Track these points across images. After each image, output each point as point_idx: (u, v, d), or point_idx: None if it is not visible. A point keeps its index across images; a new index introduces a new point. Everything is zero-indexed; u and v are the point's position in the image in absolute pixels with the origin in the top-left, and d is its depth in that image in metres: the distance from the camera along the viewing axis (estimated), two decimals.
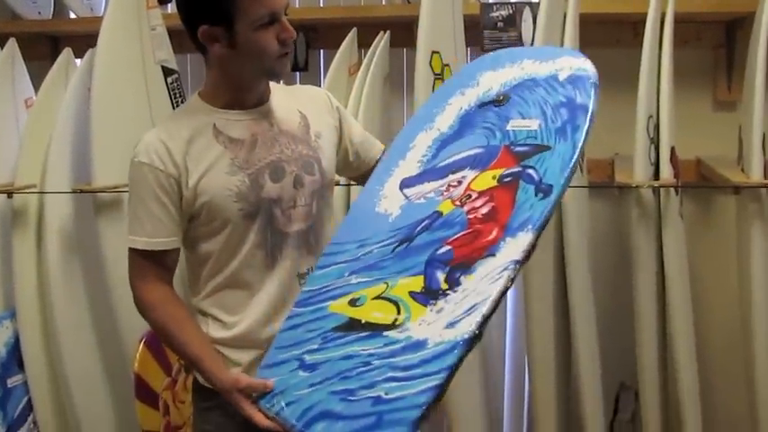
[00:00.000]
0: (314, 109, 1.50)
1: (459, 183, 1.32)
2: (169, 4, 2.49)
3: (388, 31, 2.20)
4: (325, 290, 1.34)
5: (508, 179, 1.28)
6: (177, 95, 2.27)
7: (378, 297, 1.28)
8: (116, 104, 2.07)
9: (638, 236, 1.99)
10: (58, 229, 2.14)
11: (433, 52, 1.93)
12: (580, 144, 1.24)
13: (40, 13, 2.56)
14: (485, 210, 1.27)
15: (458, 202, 1.30)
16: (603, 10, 2.27)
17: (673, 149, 1.99)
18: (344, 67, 2.13)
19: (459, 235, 1.26)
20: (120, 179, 2.04)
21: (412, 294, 1.25)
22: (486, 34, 2.23)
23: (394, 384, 1.17)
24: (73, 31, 2.55)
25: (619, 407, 2.39)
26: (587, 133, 1.25)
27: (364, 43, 2.26)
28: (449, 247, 1.26)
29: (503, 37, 2.24)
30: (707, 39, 2.44)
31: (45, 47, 2.58)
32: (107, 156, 2.05)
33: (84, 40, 2.40)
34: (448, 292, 1.22)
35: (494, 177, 1.29)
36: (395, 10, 2.35)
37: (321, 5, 2.56)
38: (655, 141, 2.00)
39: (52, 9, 2.61)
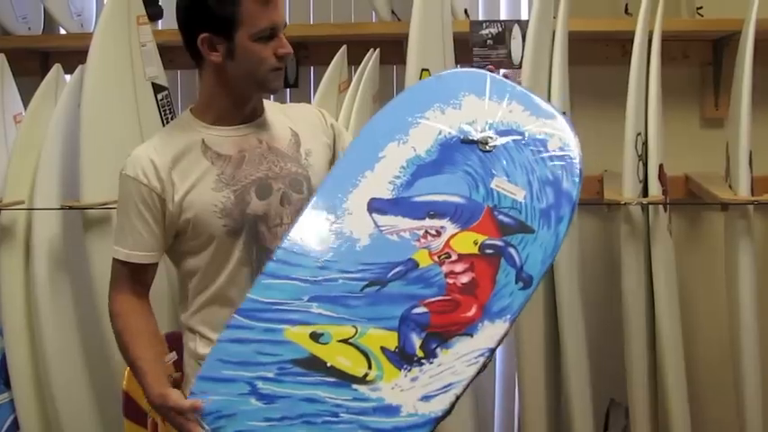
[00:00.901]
0: (306, 127, 1.50)
1: (438, 234, 1.29)
2: (159, 21, 2.51)
3: (377, 49, 2.21)
4: (278, 307, 1.28)
5: (490, 252, 1.27)
6: (167, 112, 2.27)
7: (345, 341, 1.25)
8: (105, 121, 2.07)
9: (627, 252, 2.00)
10: (46, 245, 2.13)
11: (423, 70, 1.94)
12: (561, 237, 1.26)
13: (29, 28, 2.56)
14: (465, 279, 1.26)
15: (436, 258, 1.28)
16: (592, 28, 2.29)
17: (661, 166, 2.01)
18: (335, 84, 2.13)
19: (436, 299, 1.26)
20: (109, 196, 2.03)
21: (385, 351, 1.24)
22: (475, 51, 2.24)
23: None
24: (63, 47, 2.55)
25: (609, 423, 2.39)
26: (568, 228, 1.26)
27: (354, 60, 2.26)
28: (425, 310, 1.25)
29: (492, 54, 2.25)
30: (694, 56, 2.47)
31: (35, 63, 2.57)
32: (96, 172, 2.05)
33: (74, 56, 2.39)
34: (423, 361, 1.22)
35: (475, 243, 1.28)
36: (384, 27, 2.36)
37: (311, 23, 2.57)
38: (643, 158, 2.01)
39: (42, 25, 2.61)
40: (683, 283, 2.25)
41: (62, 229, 2.15)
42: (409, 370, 1.22)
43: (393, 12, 2.38)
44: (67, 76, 2.28)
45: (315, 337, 1.26)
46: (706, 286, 2.42)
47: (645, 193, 2.01)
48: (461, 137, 1.34)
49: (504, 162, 1.32)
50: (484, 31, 2.25)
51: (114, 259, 1.45)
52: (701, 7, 2.35)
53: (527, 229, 1.27)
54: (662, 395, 2.09)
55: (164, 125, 2.26)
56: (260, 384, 1.24)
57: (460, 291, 1.26)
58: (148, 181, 1.39)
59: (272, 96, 1.52)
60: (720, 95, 2.44)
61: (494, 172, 1.32)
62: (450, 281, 1.26)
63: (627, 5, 2.40)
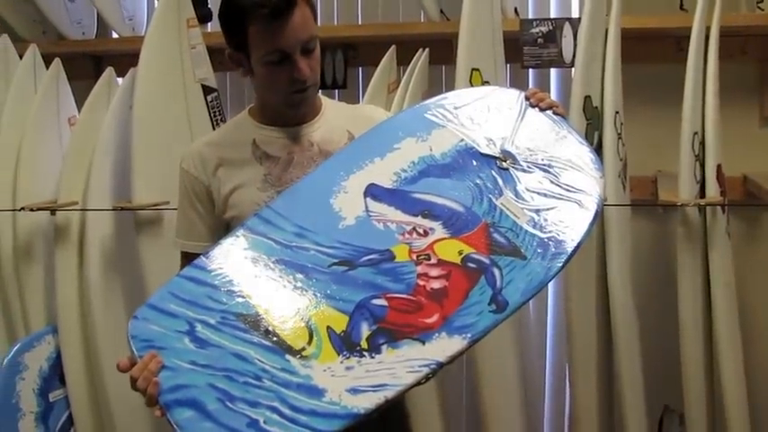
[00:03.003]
0: (367, 128, 1.46)
1: (425, 234, 1.26)
2: (208, 23, 2.53)
3: (426, 49, 2.19)
4: (245, 260, 1.26)
5: (472, 266, 1.23)
6: (217, 113, 2.29)
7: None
8: (157, 122, 2.10)
9: (683, 255, 1.94)
10: (99, 245, 2.16)
11: (473, 69, 1.91)
12: (552, 274, 1.22)
13: (84, 33, 2.61)
14: (436, 284, 1.22)
15: (414, 256, 1.25)
16: (645, 25, 2.23)
17: (719, 166, 1.94)
18: (384, 84, 2.12)
19: (400, 296, 1.22)
20: (160, 197, 2.07)
21: (330, 332, 1.20)
22: (526, 50, 2.21)
23: (275, 417, 1.13)
24: (115, 51, 2.59)
25: (663, 430, 2.33)
26: (563, 267, 1.22)
27: (403, 60, 2.25)
28: (385, 303, 1.21)
29: (543, 53, 2.22)
30: (753, 52, 2.38)
31: (88, 66, 2.62)
32: (147, 173, 2.08)
33: (125, 59, 2.43)
34: (365, 353, 1.18)
35: (460, 252, 1.24)
36: (434, 27, 2.34)
37: (360, 23, 2.56)
38: (700, 159, 1.95)
39: (95, 29, 2.66)
40: (741, 286, 2.18)
41: (114, 230, 2.19)
42: (347, 357, 1.17)
43: (442, 11, 2.35)
44: (119, 79, 2.32)
45: None
46: (765, 289, 2.34)
47: (702, 194, 1.95)
48: (482, 149, 1.32)
49: (519, 183, 1.30)
50: (534, 30, 2.22)
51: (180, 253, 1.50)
52: (761, 1, 2.27)
53: (518, 254, 1.23)
54: (720, 403, 2.02)
55: (213, 127, 2.28)
56: (199, 327, 1.20)
57: (428, 295, 1.22)
58: (198, 174, 1.43)
59: (337, 93, 1.51)
60: None
61: (504, 190, 1.29)
62: (421, 282, 1.23)
63: (682, 1, 2.33)
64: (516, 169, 1.31)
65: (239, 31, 1.34)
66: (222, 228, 1.46)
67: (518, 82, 2.45)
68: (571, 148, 1.33)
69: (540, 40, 2.21)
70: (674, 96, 2.23)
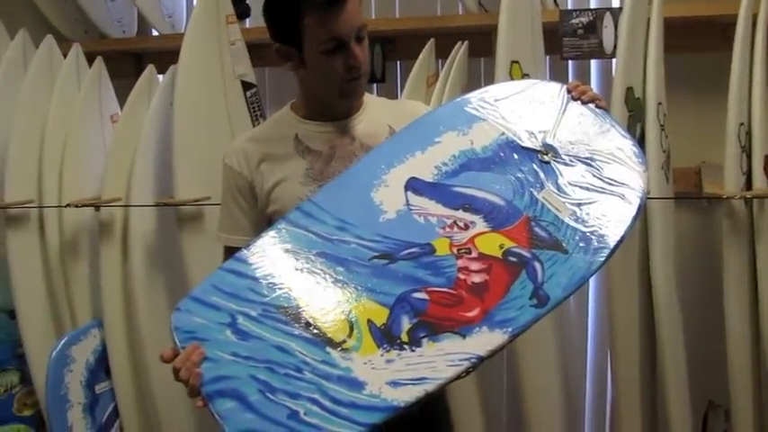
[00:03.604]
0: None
1: (466, 227, 1.26)
2: (247, 19, 2.55)
3: (465, 42, 2.17)
4: (286, 252, 1.27)
5: (513, 260, 1.23)
6: (256, 109, 2.31)
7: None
8: (197, 118, 2.12)
9: (729, 248, 1.90)
10: (141, 240, 2.20)
11: (513, 62, 1.90)
12: (594, 270, 1.21)
13: (124, 31, 2.65)
14: (477, 278, 1.22)
15: (455, 250, 1.24)
16: (689, 13, 2.18)
17: (766, 158, 1.90)
18: (423, 78, 2.11)
19: (441, 290, 1.22)
20: (202, 192, 2.09)
21: (371, 325, 1.20)
22: (565, 41, 2.18)
23: (316, 409, 1.14)
24: (155, 48, 2.63)
25: (707, 425, 2.29)
26: (605, 261, 1.21)
27: (442, 53, 2.23)
28: (426, 297, 1.21)
29: (583, 45, 2.19)
30: None
31: (129, 64, 2.66)
32: (189, 169, 2.10)
33: (166, 56, 2.46)
34: (405, 346, 1.17)
35: (500, 246, 1.24)
36: (472, 19, 2.32)
37: (397, 17, 2.55)
38: (746, 150, 1.91)
39: (136, 27, 2.70)
40: None
41: (157, 225, 2.22)
42: (387, 351, 1.17)
43: (480, 3, 2.33)
44: (160, 77, 2.35)
45: None
46: None
47: (748, 185, 1.91)
48: (523, 143, 1.31)
49: (560, 177, 1.28)
50: (574, 21, 2.18)
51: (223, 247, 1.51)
52: None
53: (560, 249, 1.22)
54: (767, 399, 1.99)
55: (253, 122, 2.30)
56: (240, 319, 1.21)
57: (468, 289, 1.21)
58: (241, 169, 1.44)
59: (375, 88, 1.50)
60: None
61: (546, 183, 1.28)
62: (462, 276, 1.22)
63: None
64: (558, 163, 1.30)
65: (292, 23, 1.34)
66: (264, 222, 1.46)
67: (557, 74, 2.41)
68: (614, 142, 1.31)
69: (579, 30, 2.18)
70: (719, 86, 2.17)
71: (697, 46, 2.31)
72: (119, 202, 2.20)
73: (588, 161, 1.30)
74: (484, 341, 1.17)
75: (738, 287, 1.91)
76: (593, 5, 2.41)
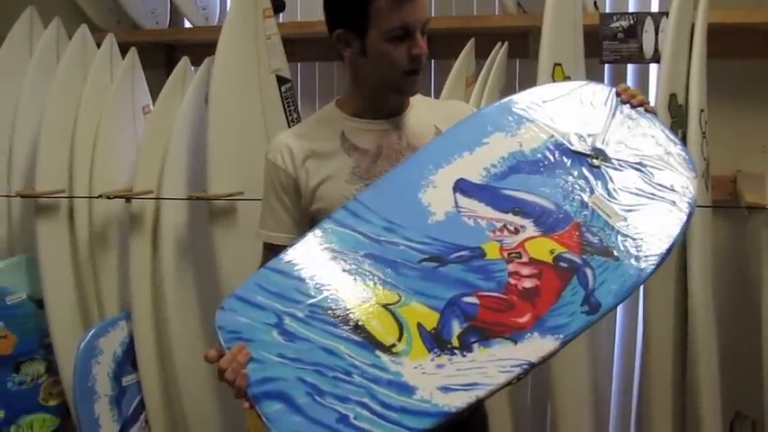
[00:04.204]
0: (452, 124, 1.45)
1: (516, 231, 1.24)
2: (281, 14, 2.53)
3: (506, 43, 2.16)
4: (332, 252, 1.25)
5: (564, 265, 1.21)
6: (290, 104, 2.29)
7: (385, 306, 1.20)
8: (232, 113, 2.11)
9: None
10: (173, 234, 2.18)
11: (556, 64, 1.88)
12: (645, 276, 1.19)
13: (157, 22, 2.64)
14: (528, 284, 1.20)
15: (505, 254, 1.22)
16: (732, 20, 2.16)
17: None
18: (462, 78, 2.09)
19: (492, 294, 1.20)
20: (235, 187, 2.08)
21: (420, 328, 1.18)
22: (605, 45, 2.16)
23: (365, 413, 1.12)
24: (188, 40, 2.62)
25: None
26: (657, 268, 1.19)
27: (478, 54, 2.21)
28: (476, 302, 1.19)
29: (623, 49, 2.17)
30: None
31: (160, 55, 2.65)
32: (223, 163, 2.09)
33: (199, 48, 2.45)
34: (456, 351, 1.16)
35: (551, 252, 1.22)
36: (510, 20, 2.30)
37: (433, 15, 2.53)
38: None
39: (168, 19, 2.68)
40: None
41: (188, 219, 2.21)
42: (438, 355, 1.16)
43: (519, 3, 2.31)
44: (192, 69, 2.34)
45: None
46: None
47: None
48: (573, 146, 1.29)
49: (610, 182, 1.26)
50: (614, 24, 2.16)
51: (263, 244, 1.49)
52: None
53: (611, 255, 1.20)
54: None
55: (287, 118, 2.28)
56: (287, 320, 1.19)
57: (519, 294, 1.19)
58: (285, 166, 1.42)
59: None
60: None
61: (596, 188, 1.25)
62: (513, 281, 1.20)
63: None
64: (608, 167, 1.28)
65: (360, 8, 1.33)
66: (307, 220, 1.45)
67: (594, 77, 2.39)
68: (663, 146, 1.29)
69: (620, 34, 2.16)
70: (757, 93, 2.16)
71: (736, 52, 2.29)
72: (150, 195, 2.19)
73: (638, 166, 1.28)
74: (535, 347, 1.16)
75: None
76: (631, 9, 2.39)
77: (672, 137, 1.31)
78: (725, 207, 2.13)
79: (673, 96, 1.91)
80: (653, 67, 2.43)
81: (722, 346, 2.11)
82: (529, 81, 2.36)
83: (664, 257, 1.20)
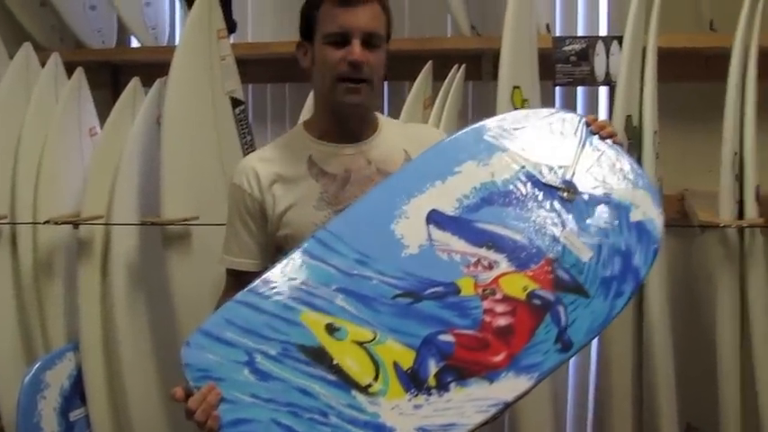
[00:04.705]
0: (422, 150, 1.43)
1: (490, 267, 1.24)
2: (231, 36, 2.49)
3: (463, 65, 2.17)
4: (304, 287, 1.22)
5: (537, 302, 1.22)
6: (244, 126, 2.25)
7: (360, 344, 1.19)
8: (187, 135, 2.06)
9: (722, 276, 1.93)
10: (123, 260, 2.10)
11: (514, 87, 1.89)
12: (615, 313, 1.21)
13: (103, 42, 2.56)
14: (502, 321, 1.21)
15: (480, 290, 1.23)
16: (679, 44, 2.24)
17: (757, 188, 1.94)
18: (419, 100, 2.09)
19: (467, 332, 1.20)
20: (190, 211, 2.02)
21: (397, 368, 1.18)
22: (558, 68, 2.20)
23: None
24: (136, 60, 2.55)
25: None
26: (626, 305, 1.22)
27: (435, 76, 2.22)
28: (452, 340, 1.20)
29: (575, 72, 2.21)
30: None
31: (106, 76, 2.57)
32: (176, 187, 2.03)
33: (146, 69, 2.39)
34: (433, 391, 1.17)
35: (524, 288, 1.23)
36: (464, 42, 2.32)
37: None
38: (739, 179, 1.95)
39: (115, 38, 2.61)
40: None
41: (140, 245, 2.13)
42: (415, 395, 1.16)
43: (473, 26, 2.34)
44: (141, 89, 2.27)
45: (330, 329, 1.20)
46: None
47: (740, 214, 1.94)
48: (544, 179, 1.29)
49: (581, 217, 1.27)
50: (567, 48, 2.21)
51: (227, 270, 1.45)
52: None
53: (583, 292, 1.22)
54: (754, 424, 2.02)
55: (240, 140, 2.24)
56: (259, 358, 1.17)
57: (494, 332, 1.20)
58: (251, 190, 1.40)
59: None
60: None
61: (567, 223, 1.26)
62: (488, 319, 1.21)
63: (712, 21, 2.34)
64: (578, 201, 1.28)
65: (312, 12, 1.36)
66: (273, 246, 1.42)
67: (546, 99, 2.43)
68: (631, 182, 1.29)
69: (572, 57, 2.21)
70: (703, 115, 2.23)
71: (684, 75, 2.37)
72: (100, 220, 2.11)
73: (607, 201, 1.28)
74: (510, 386, 1.18)
75: (731, 314, 1.94)
76: (581, 33, 2.45)
77: (639, 171, 1.31)
78: (679, 226, 2.19)
79: (628, 118, 1.95)
80: (602, 90, 2.50)
81: (676, 361, 2.16)
82: (483, 103, 2.41)
83: (632, 293, 1.22)
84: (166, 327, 2.05)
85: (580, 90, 2.49)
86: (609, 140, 1.33)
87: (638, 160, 1.98)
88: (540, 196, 1.28)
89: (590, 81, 2.23)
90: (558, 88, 2.45)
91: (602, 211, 1.27)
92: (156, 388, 2.12)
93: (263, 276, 1.23)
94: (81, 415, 2.16)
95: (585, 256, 1.24)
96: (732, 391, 1.98)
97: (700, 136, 2.36)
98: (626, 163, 1.31)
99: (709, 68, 2.35)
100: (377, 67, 1.35)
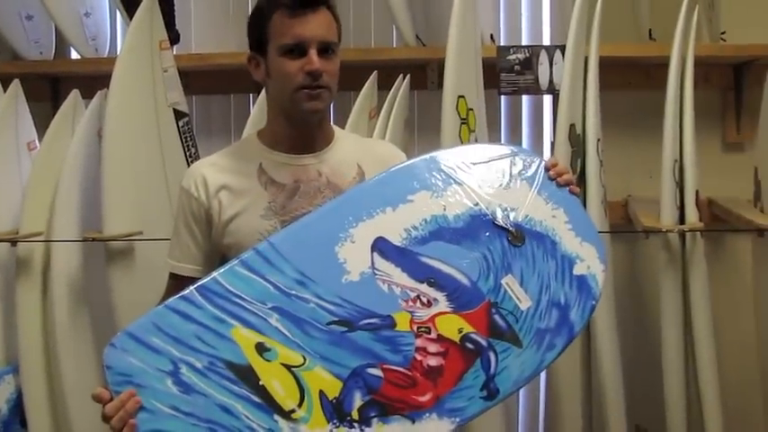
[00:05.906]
0: (378, 167, 1.37)
1: (429, 304, 1.22)
2: (174, 46, 2.45)
3: (408, 75, 2.18)
4: (238, 301, 1.19)
5: (470, 346, 1.22)
6: (188, 139, 2.21)
7: (288, 367, 1.18)
8: (129, 148, 2.00)
9: (665, 280, 1.97)
10: (65, 278, 2.04)
11: (459, 96, 1.90)
12: (544, 367, 1.23)
13: (41, 53, 2.48)
14: (433, 362, 1.21)
15: (415, 327, 1.21)
16: (620, 54, 2.29)
17: (697, 193, 1.99)
18: (365, 110, 2.09)
19: (397, 369, 1.20)
20: (133, 227, 1.97)
21: (322, 397, 1.18)
22: (503, 77, 2.23)
23: None
24: (75, 72, 2.48)
25: None
26: (555, 359, 1.23)
27: (380, 86, 2.22)
28: (381, 374, 1.19)
29: (519, 80, 2.24)
30: (715, 81, 2.48)
31: (44, 88, 2.50)
32: (119, 202, 1.98)
33: (86, 81, 2.34)
34: (355, 425, 1.17)
35: (460, 330, 1.22)
36: (409, 52, 2.33)
37: None
38: (679, 185, 2.00)
39: (54, 49, 2.54)
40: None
41: (82, 262, 2.07)
42: (337, 426, 1.17)
43: (417, 37, 2.35)
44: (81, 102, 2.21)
45: (260, 348, 1.18)
46: (733, 312, 2.40)
47: (681, 219, 1.99)
48: (495, 219, 1.27)
49: (525, 264, 1.26)
50: (511, 57, 2.24)
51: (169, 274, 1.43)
52: (724, 32, 2.36)
53: (516, 342, 1.22)
54: (698, 423, 2.06)
55: (185, 153, 2.20)
56: (184, 369, 1.15)
57: (424, 372, 1.20)
58: (198, 195, 1.38)
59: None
60: (742, 120, 2.46)
61: (511, 268, 1.25)
62: (419, 357, 1.21)
63: (651, 31, 2.40)
64: (525, 247, 1.26)
65: (262, 24, 1.34)
66: (217, 254, 1.40)
67: (491, 108, 2.46)
68: (581, 236, 1.28)
69: (516, 67, 2.24)
70: (643, 123, 2.28)
71: (626, 84, 2.43)
72: (40, 237, 2.04)
73: (552, 251, 1.26)
74: (432, 428, 1.19)
75: (675, 316, 1.99)
76: (525, 42, 2.48)
77: (591, 225, 1.31)
78: (625, 232, 2.23)
79: (572, 126, 1.98)
80: (546, 98, 2.54)
81: (623, 364, 2.19)
82: (429, 112, 2.41)
83: (564, 348, 1.23)
84: None
85: (525, 98, 2.53)
86: (565, 189, 1.31)
87: (582, 168, 2.01)
88: (489, 236, 1.26)
89: (534, 90, 2.26)
90: (503, 97, 2.49)
91: (546, 261, 1.26)
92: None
93: (198, 284, 1.20)
94: None
95: (524, 304, 1.24)
96: (677, 391, 2.02)
97: (642, 143, 2.42)
98: (579, 215, 1.30)
99: (651, 77, 2.41)
100: (334, 74, 1.35)
